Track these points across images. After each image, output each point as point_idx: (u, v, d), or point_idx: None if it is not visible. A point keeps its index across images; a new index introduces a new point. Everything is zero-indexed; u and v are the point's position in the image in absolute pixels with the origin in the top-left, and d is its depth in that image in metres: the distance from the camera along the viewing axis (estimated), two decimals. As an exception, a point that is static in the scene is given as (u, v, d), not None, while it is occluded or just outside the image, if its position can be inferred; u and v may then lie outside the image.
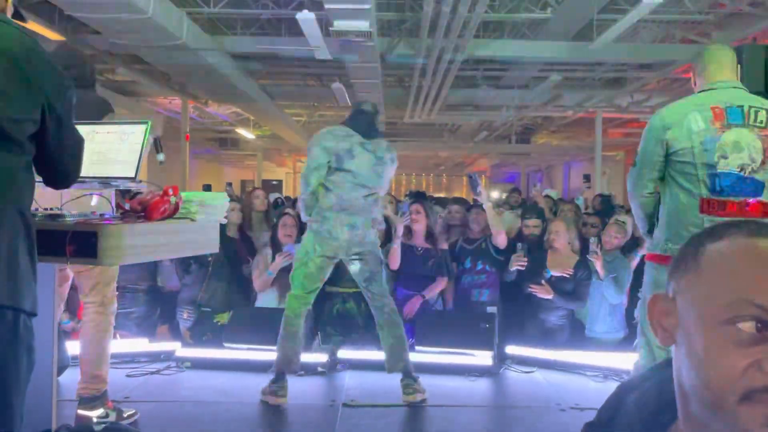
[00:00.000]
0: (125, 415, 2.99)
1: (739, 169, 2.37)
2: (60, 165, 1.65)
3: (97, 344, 2.89)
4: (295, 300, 3.41)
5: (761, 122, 2.38)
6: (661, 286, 2.33)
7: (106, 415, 2.87)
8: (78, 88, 2.87)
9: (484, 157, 21.02)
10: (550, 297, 4.18)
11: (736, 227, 0.72)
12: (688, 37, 8.16)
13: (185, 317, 4.42)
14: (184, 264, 4.41)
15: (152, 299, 4.49)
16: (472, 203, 5.06)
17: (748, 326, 0.66)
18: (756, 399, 0.64)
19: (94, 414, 2.85)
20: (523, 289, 4.32)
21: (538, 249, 4.45)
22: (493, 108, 12.61)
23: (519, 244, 4.39)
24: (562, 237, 4.33)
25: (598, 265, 4.16)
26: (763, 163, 2.36)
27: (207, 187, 8.91)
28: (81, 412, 2.86)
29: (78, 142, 1.70)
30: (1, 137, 1.45)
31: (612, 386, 3.68)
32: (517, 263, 4.27)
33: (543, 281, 4.22)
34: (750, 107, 2.40)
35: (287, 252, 4.29)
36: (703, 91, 2.50)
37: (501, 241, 4.37)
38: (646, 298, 2.71)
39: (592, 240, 4.28)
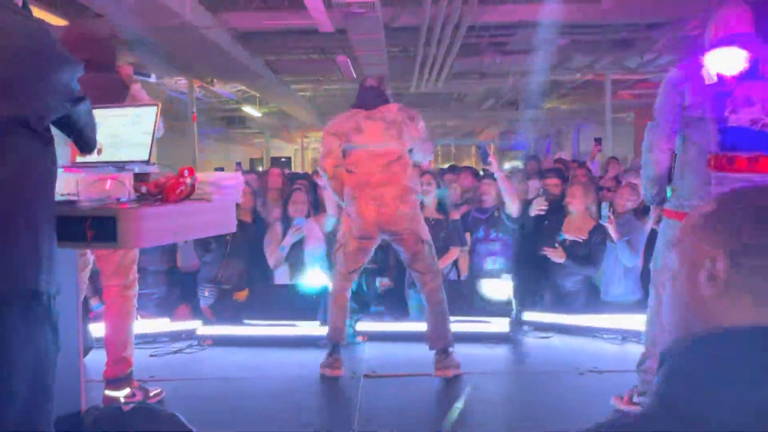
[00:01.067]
0: (151, 394, 3.04)
1: (750, 123, 2.34)
2: (82, 136, 1.73)
3: (121, 326, 2.93)
4: (340, 279, 3.46)
5: None
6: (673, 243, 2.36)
7: (133, 395, 2.93)
8: (93, 70, 2.89)
9: (493, 125, 20.86)
10: (562, 261, 4.18)
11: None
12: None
13: (206, 295, 4.47)
14: (204, 242, 4.45)
15: (172, 280, 4.55)
16: (482, 173, 5.05)
17: None
18: None
19: (121, 394, 2.91)
20: (537, 252, 4.33)
21: (555, 211, 4.44)
22: (499, 75, 12.46)
23: (540, 191, 4.39)
24: (579, 201, 4.32)
25: (611, 228, 4.15)
26: None
27: (219, 171, 8.92)
28: (108, 393, 2.92)
29: (90, 112, 1.75)
30: (27, 130, 1.47)
31: (630, 348, 3.71)
32: (539, 208, 4.29)
33: (556, 244, 4.23)
34: (766, 60, 2.37)
35: (297, 226, 4.31)
36: (716, 46, 2.48)
37: (514, 209, 4.37)
38: (660, 254, 2.67)
39: (604, 204, 4.27)
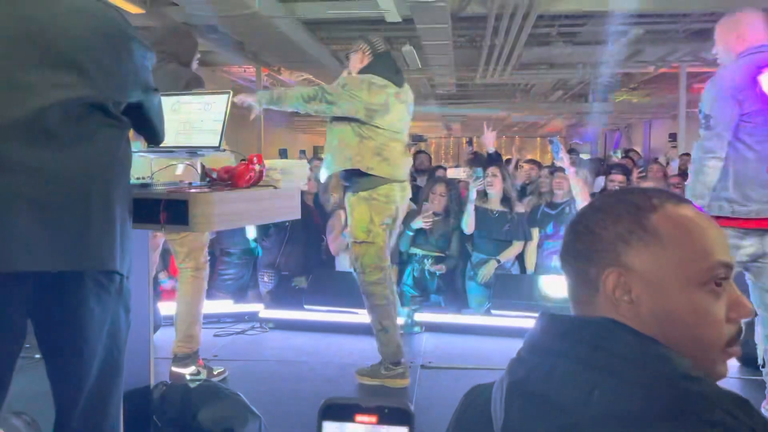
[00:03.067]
0: (215, 373, 3.14)
1: None
2: (152, 126, 1.74)
3: (191, 306, 3.04)
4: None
5: None
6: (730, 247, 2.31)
7: (198, 373, 3.03)
8: (173, 63, 2.99)
9: (559, 118, 20.38)
10: None
11: (659, 198, 0.80)
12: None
13: (266, 280, 4.58)
14: (264, 229, 4.55)
15: (245, 263, 4.68)
16: (553, 167, 4.94)
17: (719, 282, 0.76)
18: (736, 342, 0.77)
19: (187, 371, 3.02)
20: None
21: None
22: (569, 66, 12.16)
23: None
24: None
25: None
26: None
27: (283, 151, 9.04)
28: (174, 369, 3.03)
29: (160, 103, 1.77)
30: (105, 115, 1.50)
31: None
32: None
33: None
34: None
35: None
36: (752, 53, 2.51)
37: None
38: None
39: None
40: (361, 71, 3.15)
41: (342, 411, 0.58)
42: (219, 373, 3.18)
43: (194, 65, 3.16)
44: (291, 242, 4.60)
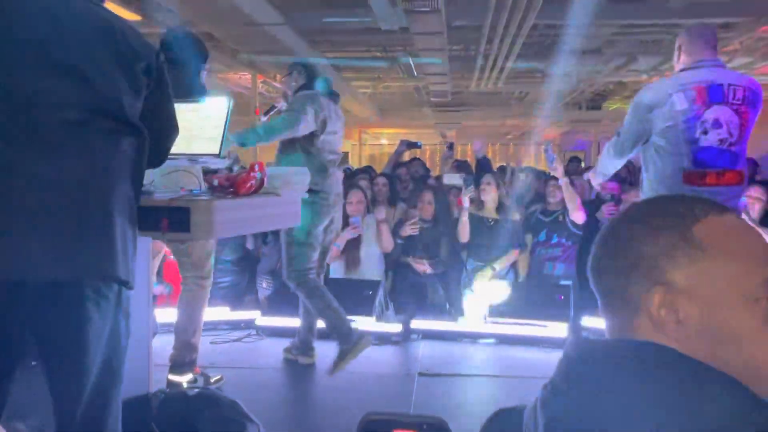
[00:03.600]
0: (212, 381, 3.14)
1: (718, 143, 2.59)
2: (159, 141, 1.66)
3: (193, 315, 3.04)
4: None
5: (738, 99, 2.59)
6: None
7: (195, 380, 3.03)
8: (184, 70, 3.01)
9: (554, 125, 20.47)
10: None
11: (701, 207, 0.74)
12: (776, -8, 7.64)
13: (264, 286, 4.58)
14: (262, 235, 4.55)
15: (241, 269, 4.69)
16: (548, 174, 4.97)
17: None
18: None
19: (184, 379, 3.01)
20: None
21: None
22: (563, 75, 12.23)
23: (610, 195, 4.34)
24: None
25: None
26: (739, 136, 2.59)
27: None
28: (171, 377, 3.03)
29: (174, 122, 1.71)
30: (107, 120, 1.49)
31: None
32: (608, 211, 4.23)
33: None
34: (729, 85, 2.59)
35: (354, 225, 4.36)
36: (686, 69, 2.68)
37: (578, 217, 4.29)
38: None
39: None
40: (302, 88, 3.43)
41: (381, 426, 0.59)
42: (216, 381, 3.17)
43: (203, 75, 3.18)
44: None
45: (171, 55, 2.94)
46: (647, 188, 2.75)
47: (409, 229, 4.35)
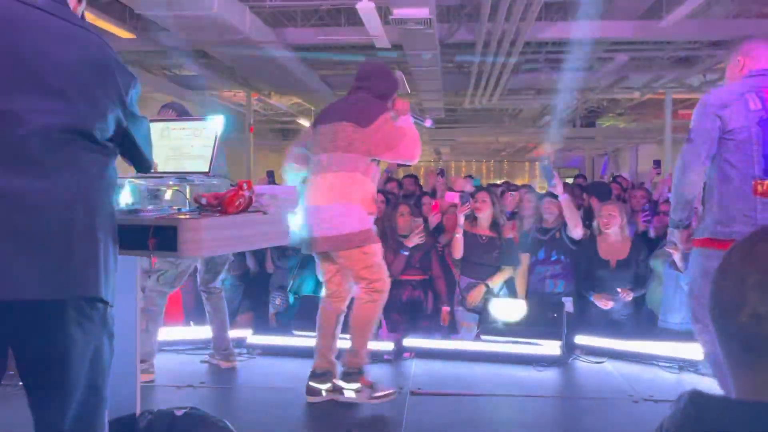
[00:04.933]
0: (378, 394, 3.11)
1: None
2: (140, 154, 1.73)
3: (365, 325, 3.15)
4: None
5: None
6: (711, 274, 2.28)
7: (359, 390, 3.11)
8: (376, 96, 3.18)
9: (547, 142, 20.58)
10: (608, 308, 4.15)
11: None
12: (764, 11, 7.74)
13: (277, 303, 4.56)
14: (280, 249, 4.54)
15: (236, 287, 4.68)
16: (544, 192, 4.96)
17: None
18: None
19: (352, 387, 3.11)
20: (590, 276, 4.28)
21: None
22: (556, 91, 12.33)
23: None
24: (615, 221, 4.23)
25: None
26: None
27: (270, 173, 9.03)
28: (337, 382, 3.14)
29: (147, 128, 1.76)
30: (89, 141, 1.50)
31: (687, 378, 3.58)
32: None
33: (618, 290, 4.17)
34: None
35: None
36: (753, 76, 2.56)
37: (577, 233, 4.28)
38: (694, 289, 2.65)
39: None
40: None
41: None
42: (386, 395, 3.11)
43: (388, 104, 3.23)
44: (304, 267, 4.57)
45: (368, 83, 3.29)
46: (713, 205, 2.55)
47: (416, 239, 4.34)
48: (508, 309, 4.21)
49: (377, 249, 3.11)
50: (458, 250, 4.37)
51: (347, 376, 3.14)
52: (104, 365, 1.55)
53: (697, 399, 0.64)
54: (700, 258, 2.57)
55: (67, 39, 1.51)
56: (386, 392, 3.12)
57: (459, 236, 4.34)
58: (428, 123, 3.58)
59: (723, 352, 0.68)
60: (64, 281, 1.43)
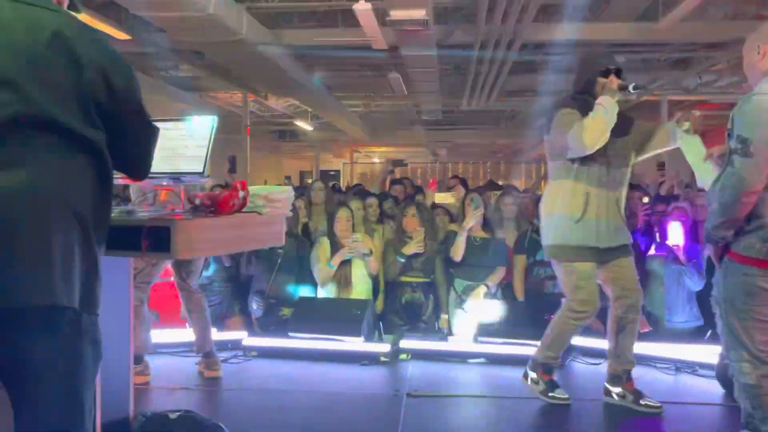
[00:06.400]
0: (645, 403, 3.08)
1: None
2: (128, 156, 1.56)
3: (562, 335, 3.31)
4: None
5: None
6: (754, 293, 2.18)
7: (623, 396, 3.16)
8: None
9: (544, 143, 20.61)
10: None
11: None
12: (761, 12, 7.74)
13: (255, 308, 4.55)
14: (248, 256, 4.53)
15: (224, 289, 4.67)
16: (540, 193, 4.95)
17: None
18: None
19: (614, 391, 3.20)
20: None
21: None
22: (553, 93, 12.33)
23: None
24: None
25: (679, 252, 4.07)
26: None
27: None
28: (607, 385, 3.25)
29: (149, 130, 1.59)
30: (51, 133, 1.37)
31: (684, 380, 3.57)
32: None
33: None
34: None
35: (354, 245, 4.33)
36: None
37: None
38: (733, 303, 2.27)
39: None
40: None
41: None
42: (653, 406, 3.03)
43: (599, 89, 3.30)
44: (281, 271, 4.55)
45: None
46: (763, 223, 2.20)
47: (414, 249, 4.33)
48: (507, 310, 4.20)
49: None
50: (460, 253, 4.37)
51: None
52: (85, 373, 1.44)
53: None
54: (741, 275, 2.25)
55: (23, 23, 1.36)
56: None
57: (462, 239, 4.33)
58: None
59: None
60: (8, 290, 1.30)
